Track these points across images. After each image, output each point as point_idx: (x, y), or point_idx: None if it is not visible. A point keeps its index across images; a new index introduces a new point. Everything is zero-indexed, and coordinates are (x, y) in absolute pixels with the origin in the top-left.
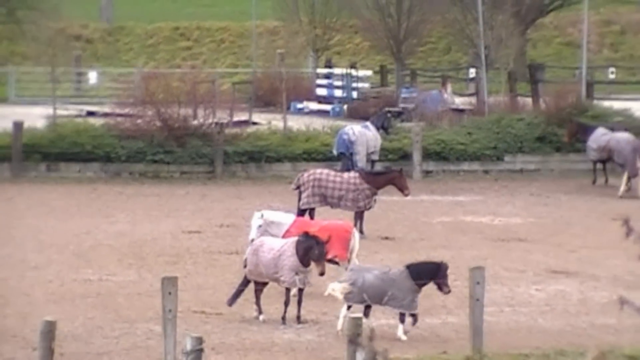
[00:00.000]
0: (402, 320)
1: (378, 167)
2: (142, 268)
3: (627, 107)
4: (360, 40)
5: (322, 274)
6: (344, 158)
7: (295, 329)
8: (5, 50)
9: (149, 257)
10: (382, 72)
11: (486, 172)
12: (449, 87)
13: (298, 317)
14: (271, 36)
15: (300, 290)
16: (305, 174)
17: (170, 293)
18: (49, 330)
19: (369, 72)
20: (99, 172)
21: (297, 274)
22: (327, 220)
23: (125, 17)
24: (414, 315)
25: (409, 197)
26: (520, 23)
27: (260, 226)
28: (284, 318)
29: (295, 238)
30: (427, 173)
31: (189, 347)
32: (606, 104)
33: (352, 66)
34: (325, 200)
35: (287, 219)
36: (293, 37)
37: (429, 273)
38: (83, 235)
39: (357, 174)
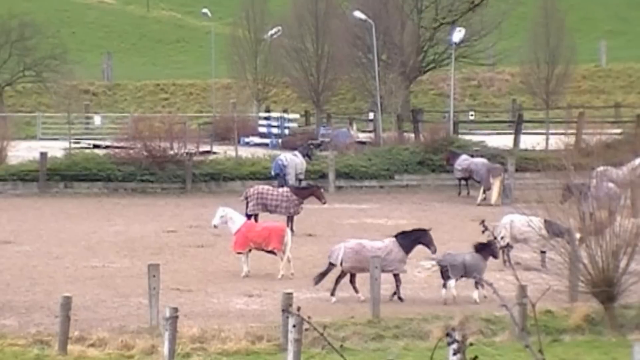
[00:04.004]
0: (481, 286)
1: (303, 183)
2: (133, 257)
3: (482, 140)
4: (290, 92)
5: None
6: (279, 177)
7: (245, 301)
8: (34, 101)
9: (138, 249)
10: (306, 115)
11: (381, 187)
12: (354, 126)
13: (398, 295)
14: (226, 90)
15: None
16: (251, 189)
17: (154, 275)
18: (67, 303)
19: (297, 115)
20: (102, 189)
21: (405, 263)
22: (267, 222)
23: (121, 77)
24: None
25: (326, 205)
26: (405, 80)
27: (222, 217)
28: (395, 295)
29: (393, 239)
30: (339, 188)
31: (167, 314)
32: (467, 137)
33: (285, 111)
34: (265, 207)
35: (240, 220)
36: (242, 91)
37: (490, 255)
38: (91, 234)
39: (288, 189)
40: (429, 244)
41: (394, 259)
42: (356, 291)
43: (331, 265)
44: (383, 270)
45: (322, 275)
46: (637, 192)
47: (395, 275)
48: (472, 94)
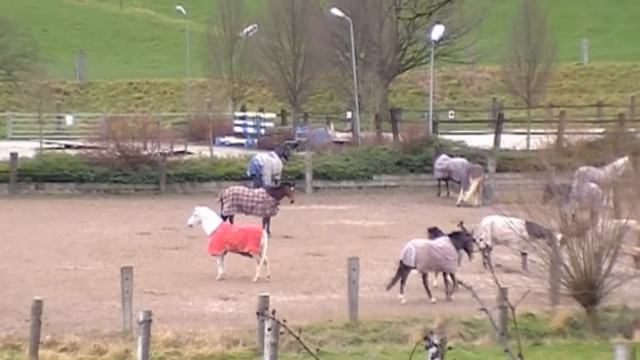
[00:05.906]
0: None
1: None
2: (106, 260)
3: (462, 139)
4: (266, 91)
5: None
6: (255, 178)
7: (220, 304)
8: (4, 100)
9: (111, 252)
10: (283, 114)
11: (359, 187)
12: (332, 126)
13: (450, 294)
14: (201, 89)
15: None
16: (227, 190)
17: (127, 278)
18: (38, 307)
19: (273, 115)
20: (74, 190)
21: (457, 262)
22: (243, 223)
23: (93, 75)
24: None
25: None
26: (383, 78)
27: (196, 215)
28: (449, 295)
29: (447, 238)
30: (316, 189)
31: (141, 318)
32: (447, 137)
33: (261, 110)
34: (241, 209)
35: (216, 221)
36: (217, 90)
37: None
38: (63, 236)
39: (264, 190)
40: (470, 251)
41: (453, 258)
42: (429, 294)
43: (403, 267)
44: (441, 269)
45: (395, 280)
46: (619, 193)
47: (452, 275)
48: (452, 93)
